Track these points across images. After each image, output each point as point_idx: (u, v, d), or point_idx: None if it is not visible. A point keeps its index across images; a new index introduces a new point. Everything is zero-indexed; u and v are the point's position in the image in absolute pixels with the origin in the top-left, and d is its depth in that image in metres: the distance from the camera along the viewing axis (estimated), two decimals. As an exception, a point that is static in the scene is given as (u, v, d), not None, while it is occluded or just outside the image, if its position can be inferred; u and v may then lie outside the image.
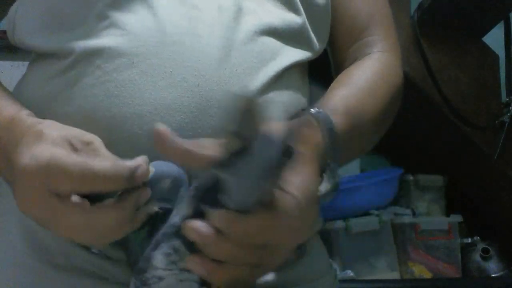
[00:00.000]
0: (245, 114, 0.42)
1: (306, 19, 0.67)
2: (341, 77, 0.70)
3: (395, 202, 1.56)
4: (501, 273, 1.50)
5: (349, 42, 0.75)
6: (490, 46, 1.52)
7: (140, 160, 0.48)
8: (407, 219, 1.50)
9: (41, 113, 0.57)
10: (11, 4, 0.67)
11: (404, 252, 1.48)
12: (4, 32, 0.79)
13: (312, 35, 0.68)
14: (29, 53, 0.67)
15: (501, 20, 1.47)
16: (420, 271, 1.46)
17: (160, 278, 0.47)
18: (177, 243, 0.47)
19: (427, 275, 1.46)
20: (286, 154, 0.41)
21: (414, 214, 1.53)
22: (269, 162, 0.40)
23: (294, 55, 0.65)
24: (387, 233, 1.47)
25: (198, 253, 0.46)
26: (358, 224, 1.44)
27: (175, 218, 0.48)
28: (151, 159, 0.50)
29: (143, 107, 0.55)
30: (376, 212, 1.47)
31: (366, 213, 1.47)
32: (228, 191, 0.44)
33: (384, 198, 1.51)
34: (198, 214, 0.46)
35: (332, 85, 0.69)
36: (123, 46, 0.57)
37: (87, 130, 0.54)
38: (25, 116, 0.55)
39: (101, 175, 0.46)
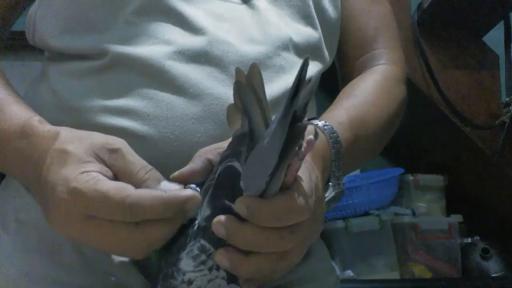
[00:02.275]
0: (244, 86, 0.42)
1: (321, 33, 0.69)
2: (346, 89, 0.71)
3: (395, 202, 1.56)
4: (501, 273, 1.50)
5: (356, 55, 0.76)
6: (490, 46, 1.52)
7: (190, 192, 0.47)
8: (407, 219, 1.50)
9: (68, 109, 0.58)
10: (23, 9, 0.68)
11: (404, 252, 1.48)
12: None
13: (325, 48, 0.70)
14: (30, 53, 0.67)
15: (501, 20, 1.47)
16: (420, 271, 1.46)
17: (190, 282, 0.47)
18: (203, 242, 0.47)
19: (427, 275, 1.46)
20: (295, 132, 0.40)
21: (414, 214, 1.53)
22: (278, 141, 0.40)
23: (311, 68, 0.67)
24: (387, 233, 1.47)
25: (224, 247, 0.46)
26: (358, 224, 1.44)
27: (198, 220, 0.48)
28: (179, 162, 0.51)
29: (175, 111, 0.57)
30: (376, 212, 1.47)
31: (366, 213, 1.47)
32: (245, 179, 0.43)
33: (384, 198, 1.51)
34: (219, 212, 0.46)
35: (338, 96, 0.70)
36: (156, 53, 0.58)
37: (121, 127, 0.55)
38: (37, 123, 0.53)
39: (153, 211, 0.46)
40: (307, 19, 0.68)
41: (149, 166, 0.50)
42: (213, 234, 0.45)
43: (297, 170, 0.45)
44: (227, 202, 0.45)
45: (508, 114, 1.42)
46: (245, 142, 0.43)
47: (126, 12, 0.60)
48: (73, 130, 0.52)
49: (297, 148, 0.42)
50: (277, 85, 0.62)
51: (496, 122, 1.45)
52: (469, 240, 1.55)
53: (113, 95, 0.58)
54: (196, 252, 0.47)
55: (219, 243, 0.46)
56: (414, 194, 1.57)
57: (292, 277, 0.63)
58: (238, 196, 0.44)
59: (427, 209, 1.57)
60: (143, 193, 0.46)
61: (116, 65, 0.59)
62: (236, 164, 0.44)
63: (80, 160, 0.48)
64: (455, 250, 1.51)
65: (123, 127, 0.56)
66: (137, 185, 0.48)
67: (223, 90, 0.58)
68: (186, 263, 0.47)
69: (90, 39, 0.60)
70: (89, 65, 0.60)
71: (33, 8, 0.66)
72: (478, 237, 1.55)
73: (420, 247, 1.49)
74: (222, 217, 0.45)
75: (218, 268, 0.47)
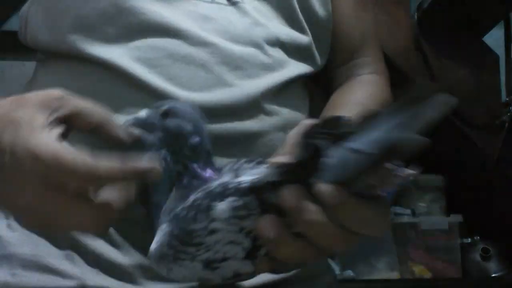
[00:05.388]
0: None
1: (311, 37, 0.69)
2: (335, 98, 0.72)
3: (395, 202, 1.56)
4: (501, 273, 1.50)
5: (342, 60, 0.77)
6: (490, 46, 1.52)
7: (151, 163, 0.44)
8: (407, 219, 1.50)
9: None
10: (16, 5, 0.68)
11: (404, 252, 1.48)
12: (5, 32, 0.78)
13: (316, 51, 0.70)
14: (29, 53, 0.67)
15: (501, 20, 1.47)
16: (420, 271, 1.46)
17: (212, 231, 0.44)
18: (252, 199, 0.43)
19: (427, 275, 1.46)
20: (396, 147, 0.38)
21: (414, 214, 1.53)
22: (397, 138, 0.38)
23: (299, 68, 0.67)
24: (387, 233, 1.47)
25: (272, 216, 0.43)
26: (358, 224, 1.44)
27: (253, 175, 0.44)
28: None
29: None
30: (376, 212, 1.47)
31: (366, 213, 1.47)
32: (334, 166, 0.40)
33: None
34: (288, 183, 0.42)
35: (326, 107, 0.70)
36: (139, 56, 0.58)
37: None
38: None
39: (109, 178, 0.42)
40: (294, 23, 0.68)
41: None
42: (267, 197, 0.42)
43: (388, 186, 0.42)
44: (308, 181, 0.41)
45: (508, 114, 1.41)
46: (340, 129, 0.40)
47: (106, 4, 0.60)
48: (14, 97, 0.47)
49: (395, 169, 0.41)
50: (263, 81, 0.62)
51: (496, 122, 1.44)
52: (469, 240, 1.54)
53: (102, 100, 0.58)
54: (239, 203, 0.43)
55: (267, 208, 0.43)
56: (414, 194, 1.57)
57: (289, 275, 0.63)
58: (316, 177, 0.41)
59: (427, 209, 1.57)
60: (102, 164, 0.42)
61: (102, 72, 0.59)
62: (322, 145, 0.41)
63: (34, 109, 0.44)
64: (455, 250, 1.51)
65: None
66: (95, 124, 0.46)
67: (205, 86, 0.59)
68: (221, 210, 0.43)
69: (72, 38, 0.60)
70: (76, 69, 0.60)
71: (25, 7, 0.66)
72: (478, 237, 1.55)
73: (420, 247, 1.49)
74: (295, 189, 0.41)
75: (247, 235, 0.44)
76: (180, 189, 0.48)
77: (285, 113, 0.64)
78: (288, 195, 0.41)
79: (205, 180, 0.48)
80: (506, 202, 1.52)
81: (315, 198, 0.41)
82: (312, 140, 0.41)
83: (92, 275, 0.57)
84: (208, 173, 0.49)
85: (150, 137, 0.50)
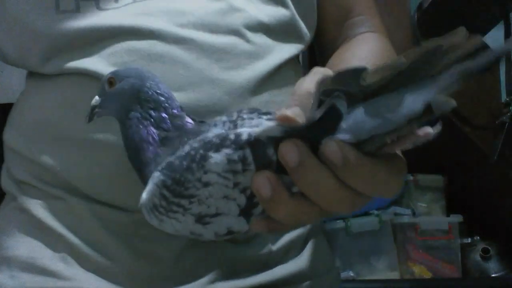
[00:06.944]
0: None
1: (294, 10, 0.66)
2: (331, 62, 0.67)
3: (395, 202, 1.56)
4: (501, 273, 1.50)
5: (336, 22, 0.72)
6: (490, 46, 1.52)
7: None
8: (407, 219, 1.50)
9: (47, 124, 0.59)
10: None
11: (404, 252, 1.48)
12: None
13: (302, 25, 0.67)
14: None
15: (501, 20, 1.47)
16: (420, 271, 1.46)
17: (206, 184, 0.41)
18: (248, 153, 0.40)
19: (427, 275, 1.46)
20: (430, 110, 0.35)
21: (414, 214, 1.53)
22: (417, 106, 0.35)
23: (286, 50, 0.64)
24: (387, 233, 1.47)
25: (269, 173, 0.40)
26: (358, 224, 1.44)
27: (247, 130, 0.42)
28: None
29: None
30: (376, 212, 1.48)
31: (366, 213, 1.47)
32: (355, 123, 0.38)
33: (384, 198, 1.50)
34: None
35: (332, 63, 0.66)
36: (115, 62, 0.58)
37: (102, 140, 0.56)
38: None
39: None
40: None
41: None
42: (263, 153, 0.40)
43: (406, 145, 0.39)
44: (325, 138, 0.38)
45: (508, 114, 1.41)
46: (353, 83, 0.37)
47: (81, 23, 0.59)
48: None
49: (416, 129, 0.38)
50: (248, 71, 0.60)
51: (496, 122, 1.44)
52: (469, 240, 1.54)
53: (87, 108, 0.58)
54: (235, 157, 0.40)
55: (265, 164, 0.40)
56: (414, 194, 1.57)
57: (291, 273, 0.63)
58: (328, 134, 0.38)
59: (427, 209, 1.57)
60: None
61: (82, 81, 0.58)
62: (339, 104, 0.38)
63: None
64: (455, 250, 1.51)
65: (104, 140, 0.56)
66: None
67: (187, 79, 0.57)
68: (216, 161, 0.41)
69: (50, 61, 0.60)
70: (60, 83, 0.60)
71: None
72: (478, 237, 1.55)
73: (420, 247, 1.49)
74: (297, 144, 0.38)
75: (243, 191, 0.41)
76: (166, 139, 0.46)
77: (276, 101, 0.61)
78: (289, 151, 0.38)
79: (189, 130, 0.46)
80: (506, 202, 1.52)
81: (320, 156, 0.38)
82: (328, 98, 0.38)
83: (86, 278, 0.57)
84: (187, 119, 0.48)
85: (113, 112, 0.50)
